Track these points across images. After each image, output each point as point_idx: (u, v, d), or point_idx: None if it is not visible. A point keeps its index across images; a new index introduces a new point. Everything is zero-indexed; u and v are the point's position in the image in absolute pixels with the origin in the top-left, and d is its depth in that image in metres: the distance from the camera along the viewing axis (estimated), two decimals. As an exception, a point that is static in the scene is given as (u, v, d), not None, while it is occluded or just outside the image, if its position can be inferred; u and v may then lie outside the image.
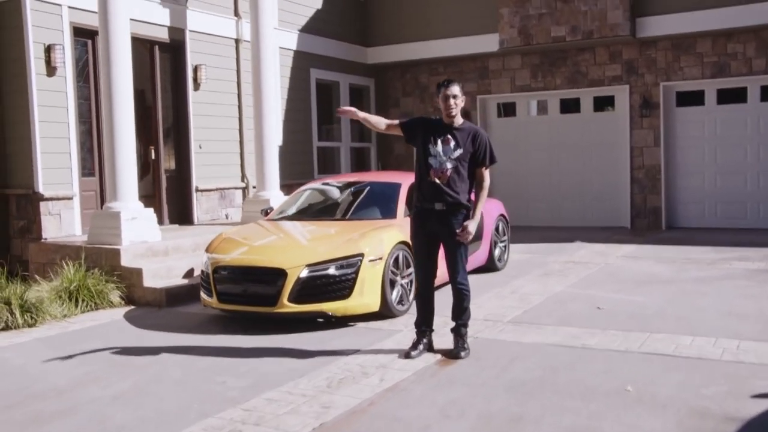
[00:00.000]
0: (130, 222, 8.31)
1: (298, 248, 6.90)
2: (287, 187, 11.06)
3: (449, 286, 5.58)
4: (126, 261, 8.06)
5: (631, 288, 7.80)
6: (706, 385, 4.57)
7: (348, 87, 14.26)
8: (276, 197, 10.55)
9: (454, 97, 5.36)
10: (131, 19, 8.99)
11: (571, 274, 8.73)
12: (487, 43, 13.33)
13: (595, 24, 12.29)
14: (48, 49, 8.82)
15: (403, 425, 4.11)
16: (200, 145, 11.02)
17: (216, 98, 11.26)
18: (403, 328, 6.30)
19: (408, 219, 5.89)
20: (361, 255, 6.49)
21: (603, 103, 13.57)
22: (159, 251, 8.57)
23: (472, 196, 5.51)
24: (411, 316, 6.11)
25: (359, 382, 4.85)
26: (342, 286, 6.41)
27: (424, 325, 5.57)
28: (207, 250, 7.19)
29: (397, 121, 5.69)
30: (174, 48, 10.72)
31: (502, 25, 12.92)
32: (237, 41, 11.60)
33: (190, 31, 10.80)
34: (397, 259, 6.84)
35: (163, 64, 10.67)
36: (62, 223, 9.11)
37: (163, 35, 10.47)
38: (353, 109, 5.60)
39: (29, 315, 7.02)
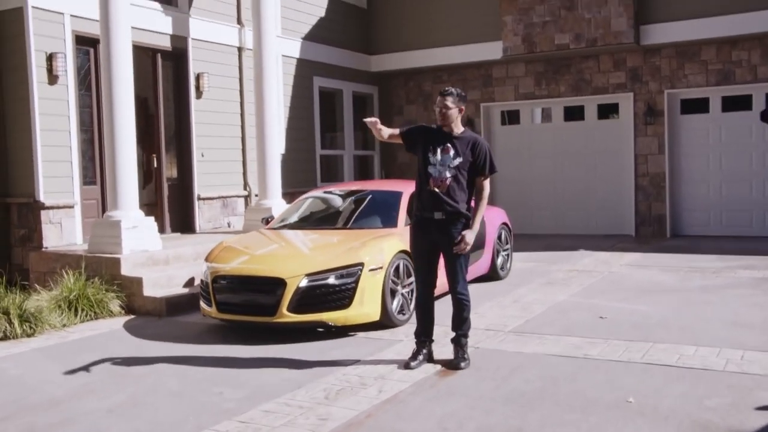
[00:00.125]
0: (131, 231, 8.28)
1: (297, 257, 6.86)
2: (290, 195, 11.03)
3: (450, 296, 5.52)
4: (126, 270, 8.02)
5: (634, 297, 7.72)
6: (709, 397, 4.50)
7: (351, 95, 14.24)
8: (278, 205, 10.52)
9: (446, 107, 5.32)
10: (133, 27, 8.99)
11: (574, 283, 8.66)
12: (491, 50, 13.29)
13: (599, 32, 12.25)
14: (50, 58, 8.82)
15: (400, 438, 4.05)
16: (202, 153, 11.01)
17: (218, 106, 11.25)
18: (403, 338, 6.24)
19: (409, 228, 5.84)
20: (361, 264, 6.44)
21: (607, 111, 13.51)
22: (160, 260, 8.54)
23: (473, 205, 5.45)
24: (412, 325, 6.04)
25: (357, 394, 4.79)
26: (342, 296, 6.36)
27: (424, 335, 5.52)
28: (206, 259, 7.15)
29: (397, 131, 5.64)
30: (176, 56, 10.72)
31: (506, 32, 12.89)
32: (240, 49, 11.59)
33: (193, 39, 10.80)
34: (397, 269, 6.79)
35: (166, 72, 10.67)
36: (63, 231, 9.09)
37: (166, 43, 10.47)
38: (377, 120, 5.50)
39: (28, 325, 6.97)
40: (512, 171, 14.02)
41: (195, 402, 4.79)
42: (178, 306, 7.80)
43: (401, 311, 6.77)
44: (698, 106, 12.73)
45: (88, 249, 8.46)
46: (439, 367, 5.35)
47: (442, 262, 5.49)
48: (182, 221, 10.92)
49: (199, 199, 11.01)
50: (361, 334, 6.46)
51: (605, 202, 13.40)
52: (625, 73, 12.85)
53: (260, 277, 6.47)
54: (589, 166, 13.51)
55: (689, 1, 11.89)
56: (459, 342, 5.44)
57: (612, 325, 6.48)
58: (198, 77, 10.85)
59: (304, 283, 6.30)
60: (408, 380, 5.05)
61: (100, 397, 4.96)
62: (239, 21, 11.58)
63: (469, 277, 8.30)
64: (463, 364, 5.31)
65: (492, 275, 8.99)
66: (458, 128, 5.46)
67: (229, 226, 11.43)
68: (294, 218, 8.19)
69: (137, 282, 7.89)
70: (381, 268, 6.56)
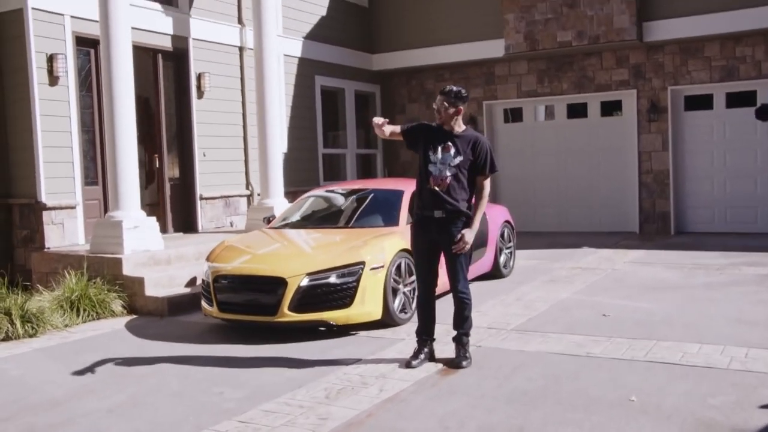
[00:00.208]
0: (132, 231, 8.27)
1: (298, 257, 6.83)
2: (292, 195, 11.00)
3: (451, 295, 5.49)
4: (128, 270, 8.01)
5: (638, 294, 7.68)
6: (713, 395, 4.46)
7: (353, 94, 14.21)
8: (280, 204, 10.50)
9: (444, 107, 5.30)
10: (134, 28, 8.98)
11: (577, 281, 8.62)
12: (493, 48, 13.25)
13: (601, 29, 12.19)
14: (50, 59, 8.81)
15: (400, 437, 4.03)
16: (204, 153, 10.99)
17: (220, 106, 11.23)
18: (405, 337, 6.21)
19: (410, 226, 5.81)
20: (362, 263, 6.42)
21: (610, 108, 13.45)
22: (161, 260, 8.53)
23: (474, 204, 5.41)
24: (414, 324, 5.99)
25: (358, 393, 4.77)
26: (343, 295, 6.33)
27: (425, 334, 5.49)
28: (208, 259, 7.14)
29: (399, 128, 5.61)
30: (177, 56, 10.70)
31: (508, 30, 12.84)
32: (241, 49, 11.57)
33: (194, 39, 10.78)
34: (399, 267, 6.76)
35: (167, 72, 10.65)
36: (65, 232, 9.08)
37: (167, 43, 10.45)
38: (385, 122, 5.45)
39: (30, 325, 6.97)
40: (515, 169, 13.98)
41: (195, 402, 4.77)
42: (180, 306, 7.78)
43: (403, 310, 6.74)
44: (702, 102, 12.67)
45: (90, 249, 8.45)
46: (440, 365, 5.32)
47: (443, 260, 5.46)
48: (185, 221, 10.90)
49: (202, 198, 11.00)
50: (362, 333, 6.44)
51: (609, 199, 13.34)
52: (628, 70, 12.79)
53: (261, 277, 6.45)
54: (592, 164, 13.46)
55: (692, -2, 11.86)
56: (460, 341, 5.41)
57: (615, 323, 6.44)
58: (199, 77, 10.84)
59: (305, 282, 6.27)
60: (409, 379, 5.02)
61: (100, 398, 4.95)
62: (240, 21, 11.55)
63: (472, 275, 8.33)
64: (464, 363, 5.28)
65: (495, 273, 8.96)
66: (459, 127, 5.42)
67: (231, 225, 11.42)
68: (295, 217, 8.16)
69: (139, 282, 7.87)
70: (382, 266, 6.54)
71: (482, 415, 4.27)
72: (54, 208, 8.94)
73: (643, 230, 12.90)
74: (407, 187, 7.83)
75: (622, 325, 6.33)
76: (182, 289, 8.12)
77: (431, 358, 5.46)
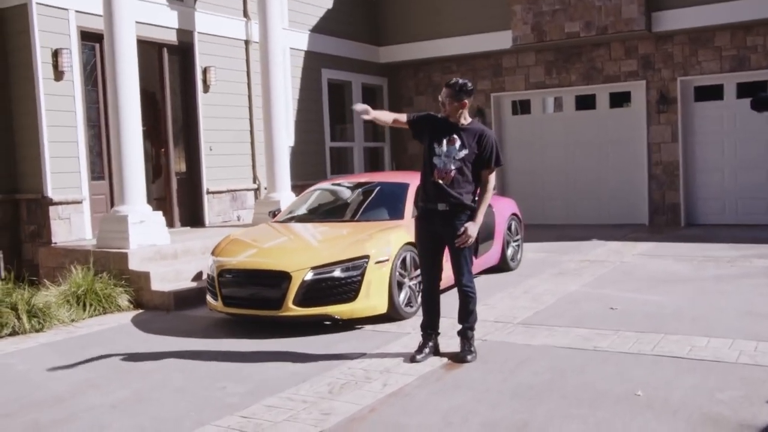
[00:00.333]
0: (138, 225, 8.26)
1: (303, 250, 6.80)
2: (300, 188, 10.96)
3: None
4: (134, 265, 8.01)
5: (647, 287, 7.61)
6: (721, 390, 4.39)
7: (360, 86, 14.15)
8: (287, 198, 10.47)
9: (449, 100, 5.25)
10: (138, 22, 8.95)
11: (585, 273, 8.56)
12: (501, 40, 13.15)
13: (609, 19, 12.07)
14: (55, 54, 8.80)
15: (403, 433, 3.99)
16: (210, 147, 10.97)
17: (226, 100, 11.20)
18: (411, 331, 6.17)
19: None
20: (367, 257, 6.38)
21: (619, 99, 13.34)
22: (168, 254, 8.52)
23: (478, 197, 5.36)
24: (419, 318, 5.93)
25: (362, 388, 4.73)
26: (348, 289, 6.30)
27: (430, 327, 5.45)
28: (213, 253, 7.12)
29: (405, 117, 5.54)
30: (182, 50, 10.67)
31: (515, 21, 12.74)
32: (246, 42, 11.54)
33: (199, 33, 10.75)
34: (404, 261, 6.72)
35: (172, 66, 10.63)
36: (72, 227, 9.08)
37: (172, 37, 10.43)
38: (367, 107, 5.41)
39: (36, 320, 6.98)
40: (523, 161, 13.91)
41: (198, 397, 4.75)
42: (186, 300, 7.77)
43: (409, 304, 6.70)
44: (712, 93, 12.54)
45: (97, 244, 8.46)
46: (445, 360, 5.28)
47: (447, 254, 5.41)
48: (192, 215, 10.90)
49: (208, 192, 10.98)
50: (368, 327, 6.40)
51: (618, 191, 13.24)
52: (637, 61, 12.67)
53: (265, 271, 6.42)
54: (601, 156, 13.36)
55: (702, -13, 11.72)
56: (465, 335, 5.36)
57: (623, 316, 6.37)
58: (205, 71, 10.81)
59: (309, 276, 6.24)
60: (413, 373, 4.99)
61: (104, 393, 4.94)
62: (245, 14, 11.51)
63: (479, 268, 8.33)
64: (469, 357, 5.24)
65: (502, 266, 8.91)
66: (465, 119, 5.36)
67: (238, 219, 11.41)
68: (301, 211, 8.13)
69: (145, 276, 7.87)
70: (387, 260, 6.50)
71: (486, 410, 4.23)
72: (60, 203, 8.95)
73: (652, 222, 12.80)
74: (413, 180, 7.76)
75: (630, 319, 6.27)
76: (188, 284, 8.11)
77: (436, 352, 5.41)
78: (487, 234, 8.16)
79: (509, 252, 9.01)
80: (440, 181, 5.24)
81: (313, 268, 6.27)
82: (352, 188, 8.41)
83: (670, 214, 12.68)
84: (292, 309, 6.22)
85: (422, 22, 13.97)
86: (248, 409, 4.43)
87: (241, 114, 11.51)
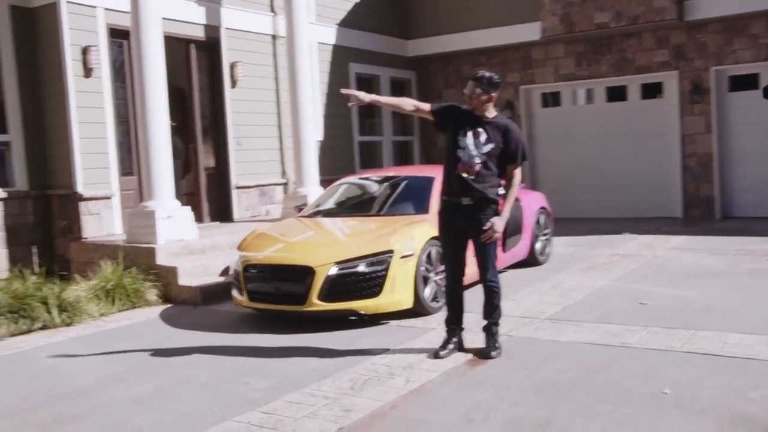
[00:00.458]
0: (166, 220, 8.32)
1: (327, 245, 6.79)
2: (328, 183, 10.87)
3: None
4: (162, 259, 8.07)
5: (678, 282, 7.45)
6: (753, 388, 4.26)
7: (389, 80, 14.09)
8: (315, 193, 10.47)
9: (476, 94, 5.17)
10: (166, 19, 9.01)
11: (616, 268, 8.41)
12: (529, 32, 12.98)
13: (640, 8, 11.83)
14: (84, 51, 8.90)
15: (423, 430, 3.94)
16: (239, 142, 11.01)
17: (254, 95, 11.23)
18: (436, 326, 6.11)
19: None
20: (391, 252, 6.34)
21: (651, 91, 13.06)
22: (195, 249, 8.57)
23: (502, 190, 5.27)
24: (445, 313, 5.91)
25: (384, 384, 4.70)
26: (372, 284, 6.26)
27: (454, 323, 5.39)
28: (239, 248, 7.14)
29: (428, 107, 5.47)
30: (210, 46, 10.72)
31: (544, 13, 12.56)
32: (274, 37, 11.54)
33: (226, 28, 10.78)
34: (430, 255, 6.66)
35: (200, 62, 10.68)
36: (102, 222, 9.19)
37: (199, 33, 10.47)
38: (358, 93, 5.36)
39: (66, 314, 7.08)
40: (554, 154, 13.73)
41: (221, 392, 4.76)
42: (213, 295, 7.81)
43: (434, 298, 6.65)
44: (747, 82, 12.20)
45: (126, 239, 8.55)
46: (469, 356, 5.22)
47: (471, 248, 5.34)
48: (220, 210, 10.96)
49: (237, 187, 11.03)
50: (393, 323, 6.37)
51: (651, 184, 12.99)
52: (669, 51, 12.41)
53: (289, 266, 6.42)
54: (633, 148, 13.11)
55: (737, -27, 11.41)
56: (490, 330, 5.29)
57: (653, 312, 6.24)
58: (232, 66, 10.84)
59: (333, 271, 6.22)
60: (437, 370, 4.94)
61: (128, 387, 4.97)
62: (272, 9, 11.52)
63: (507, 263, 8.24)
64: (494, 353, 5.17)
65: (531, 261, 8.80)
66: (490, 113, 5.28)
67: (267, 214, 11.43)
68: (326, 205, 8.12)
69: (172, 271, 7.92)
70: (412, 255, 6.45)
71: (509, 408, 4.17)
72: (90, 199, 9.06)
73: (686, 215, 12.55)
74: (438, 173, 7.65)
75: (660, 314, 6.14)
76: (216, 279, 8.14)
77: (460, 347, 5.35)
78: (514, 228, 8.06)
79: (538, 246, 8.90)
80: (465, 175, 5.17)
81: (338, 263, 6.25)
82: (378, 182, 8.38)
83: (705, 207, 12.41)
84: (316, 304, 6.21)
85: (450, 14, 13.85)
86: (270, 405, 4.42)
87: (268, 109, 11.53)
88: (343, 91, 5.36)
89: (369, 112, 13.81)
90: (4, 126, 8.98)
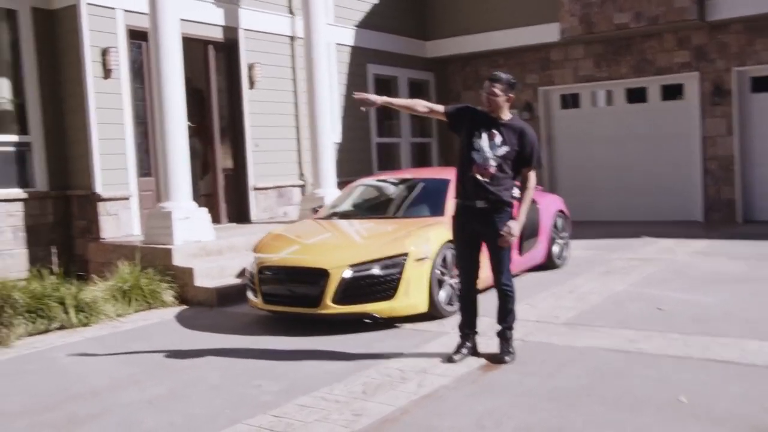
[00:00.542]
0: (183, 221, 8.36)
1: (342, 248, 6.77)
2: (346, 184, 10.91)
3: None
4: (178, 260, 8.10)
5: (697, 287, 7.35)
6: (771, 397, 4.20)
7: (407, 81, 14.07)
8: (332, 195, 10.46)
9: (493, 95, 5.09)
10: (184, 20, 9.06)
11: (634, 273, 8.32)
12: (548, 33, 12.91)
13: (660, 9, 11.71)
14: (104, 52, 8.97)
15: (435, 436, 3.92)
16: (257, 144, 11.04)
17: (272, 96, 11.26)
18: (450, 330, 6.06)
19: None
20: (406, 254, 6.31)
21: (672, 92, 12.92)
22: (212, 250, 8.59)
23: (516, 193, 5.23)
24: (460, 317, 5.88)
25: (396, 388, 4.67)
26: (386, 287, 6.24)
27: (468, 327, 5.35)
28: (254, 250, 7.15)
29: (442, 108, 5.43)
30: (228, 47, 10.76)
31: (563, 13, 12.47)
32: (292, 38, 11.56)
33: (244, 29, 10.82)
34: (445, 259, 6.62)
35: (218, 63, 10.72)
36: (120, 223, 9.25)
37: (217, 35, 10.52)
38: (368, 96, 5.34)
39: (83, 314, 7.13)
40: (573, 156, 13.63)
41: (233, 394, 4.76)
42: (229, 296, 7.82)
43: (450, 302, 6.61)
44: (771, 84, 12.06)
45: (144, 240, 8.60)
46: (483, 361, 5.18)
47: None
48: (238, 211, 10.99)
49: (255, 189, 11.06)
50: (408, 326, 6.34)
51: (671, 187, 12.85)
52: (690, 52, 12.27)
53: (304, 268, 6.42)
54: (653, 150, 12.97)
55: (760, -28, 11.26)
56: (504, 335, 5.25)
57: (670, 318, 6.16)
58: (250, 68, 10.87)
59: (347, 274, 6.20)
60: (450, 375, 4.90)
61: (142, 388, 4.99)
62: (290, 10, 11.54)
63: (524, 266, 8.19)
64: (507, 359, 5.13)
65: (548, 264, 8.74)
66: (506, 115, 5.24)
67: (284, 215, 11.45)
68: (342, 207, 8.11)
69: (188, 272, 7.95)
70: (427, 257, 6.42)
71: (521, 414, 4.12)
72: (109, 200, 9.12)
73: (707, 219, 12.40)
74: (454, 175, 7.66)
75: (678, 320, 6.06)
76: (232, 280, 8.16)
77: (474, 352, 5.31)
78: (531, 231, 8.00)
79: (555, 250, 8.83)
80: (479, 177, 5.13)
81: (352, 266, 6.24)
82: (394, 184, 8.36)
83: (726, 211, 12.26)
84: (330, 307, 6.20)
85: (469, 15, 13.81)
86: (281, 408, 4.42)
87: (286, 110, 11.55)
88: (355, 95, 5.32)
89: (387, 113, 13.78)
90: (25, 127, 9.07)
